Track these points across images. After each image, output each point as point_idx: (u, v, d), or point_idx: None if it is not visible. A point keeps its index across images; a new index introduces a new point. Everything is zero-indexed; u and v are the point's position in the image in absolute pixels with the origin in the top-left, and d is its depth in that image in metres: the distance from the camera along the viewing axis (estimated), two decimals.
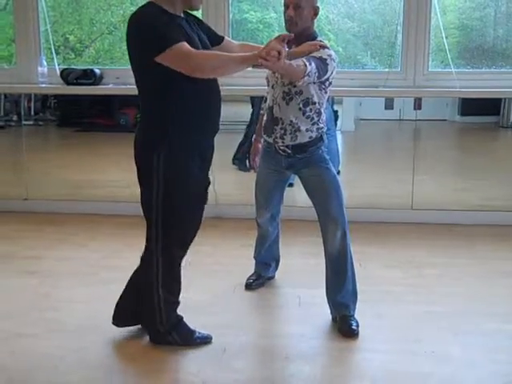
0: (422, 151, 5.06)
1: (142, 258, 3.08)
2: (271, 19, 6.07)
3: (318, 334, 3.17)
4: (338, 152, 5.12)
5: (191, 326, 3.10)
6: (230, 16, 5.12)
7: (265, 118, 3.35)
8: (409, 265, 4.08)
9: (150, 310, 2.99)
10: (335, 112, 5.53)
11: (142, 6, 2.74)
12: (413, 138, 5.10)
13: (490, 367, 2.86)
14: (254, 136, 3.65)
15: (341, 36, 6.06)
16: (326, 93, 3.20)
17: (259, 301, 3.61)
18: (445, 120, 5.56)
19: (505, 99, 5.16)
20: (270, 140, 3.30)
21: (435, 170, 5.13)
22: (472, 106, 5.28)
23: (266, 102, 3.46)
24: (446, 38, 4.90)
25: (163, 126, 2.78)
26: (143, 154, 2.84)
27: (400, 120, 5.50)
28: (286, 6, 3.15)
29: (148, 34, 2.64)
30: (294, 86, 3.12)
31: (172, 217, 2.88)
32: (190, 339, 3.05)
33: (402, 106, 5.51)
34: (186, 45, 2.61)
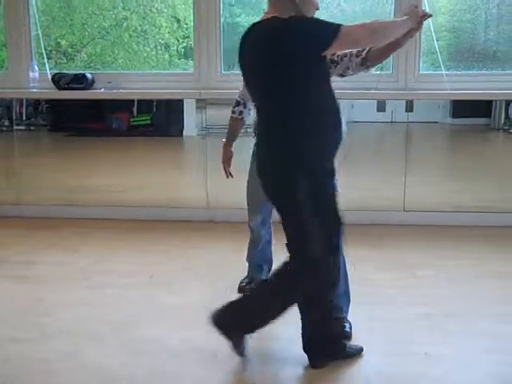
0: (414, 153, 5.07)
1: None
2: None
3: None
4: None
5: (185, 329, 3.09)
6: (222, 20, 5.12)
7: (255, 120, 3.33)
8: (401, 267, 4.09)
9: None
10: None
11: (272, 21, 2.58)
12: (405, 140, 5.11)
13: (484, 368, 2.87)
14: (224, 141, 3.61)
15: None
16: None
17: None
18: (436, 122, 5.57)
19: (496, 101, 5.18)
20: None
21: (427, 172, 5.14)
22: (463, 108, 5.29)
23: (240, 105, 3.48)
24: (437, 40, 4.92)
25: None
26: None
27: (392, 122, 5.51)
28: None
29: (314, 29, 2.52)
30: None
31: None
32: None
33: (394, 108, 5.52)
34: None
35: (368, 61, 2.96)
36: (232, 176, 3.60)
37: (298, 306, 2.90)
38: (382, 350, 3.04)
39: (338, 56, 3.04)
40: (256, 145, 2.90)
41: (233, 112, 3.56)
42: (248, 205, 3.55)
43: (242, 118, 3.56)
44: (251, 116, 3.36)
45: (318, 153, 2.68)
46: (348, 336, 3.10)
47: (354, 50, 2.96)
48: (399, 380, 2.79)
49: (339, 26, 2.49)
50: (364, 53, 2.95)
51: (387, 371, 2.85)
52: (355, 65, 2.98)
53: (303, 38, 2.52)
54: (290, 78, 2.56)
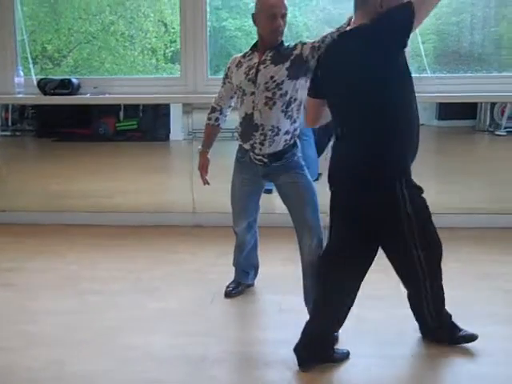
0: None
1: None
2: (250, 27, 6.08)
3: None
4: (315, 158, 5.13)
5: (171, 335, 3.07)
6: (209, 24, 5.12)
7: (240, 125, 3.33)
8: (389, 268, 4.07)
9: None
10: None
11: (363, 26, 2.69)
12: None
13: (472, 371, 2.87)
14: (201, 148, 3.59)
15: None
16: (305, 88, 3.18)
17: (239, 308, 3.60)
18: (422, 124, 5.57)
19: (481, 103, 5.20)
20: (247, 146, 3.28)
21: (414, 174, 5.14)
22: (449, 111, 5.31)
23: (216, 111, 3.48)
24: (423, 43, 4.92)
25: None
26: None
27: None
28: (273, 17, 3.11)
29: (396, 15, 2.61)
30: (280, 89, 3.13)
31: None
32: None
33: None
34: None
35: None
36: (209, 183, 3.60)
37: (315, 305, 2.95)
38: (371, 352, 3.04)
39: (307, 56, 3.10)
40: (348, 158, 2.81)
41: (209, 119, 3.54)
42: (233, 209, 3.54)
43: (219, 125, 3.54)
44: (237, 120, 3.35)
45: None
46: (335, 339, 3.09)
47: (316, 44, 3.04)
48: (389, 382, 2.79)
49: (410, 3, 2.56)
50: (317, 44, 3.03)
51: (377, 373, 2.85)
52: None
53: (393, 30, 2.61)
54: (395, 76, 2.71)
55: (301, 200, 3.20)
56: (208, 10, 5.00)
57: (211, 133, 3.55)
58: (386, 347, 3.08)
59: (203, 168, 3.58)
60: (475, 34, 5.37)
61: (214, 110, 3.52)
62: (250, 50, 3.30)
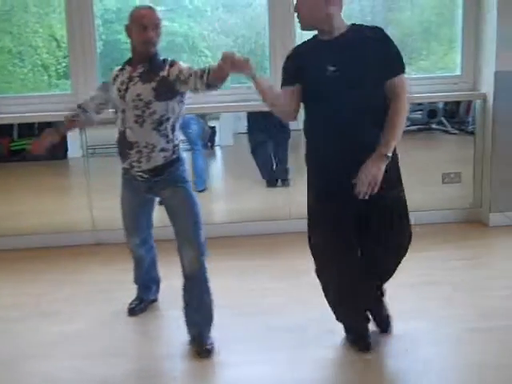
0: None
1: None
2: None
3: None
4: (203, 169, 5.17)
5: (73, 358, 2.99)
6: (103, 37, 5.03)
7: (117, 143, 3.24)
8: (291, 274, 4.12)
9: None
10: (212, 128, 5.55)
11: None
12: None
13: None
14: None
15: (217, 52, 6.10)
16: (183, 104, 3.18)
17: (142, 326, 3.56)
18: None
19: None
20: (126, 165, 3.22)
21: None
22: None
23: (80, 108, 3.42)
24: None
25: None
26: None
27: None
28: (144, 27, 3.05)
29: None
30: (149, 108, 3.07)
31: None
32: None
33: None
34: None
35: (211, 85, 2.92)
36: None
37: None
38: (246, 359, 3.09)
39: (174, 79, 3.03)
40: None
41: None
42: (124, 226, 3.48)
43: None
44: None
45: None
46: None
47: (199, 72, 2.92)
48: None
49: None
50: (205, 78, 2.89)
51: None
52: (202, 86, 2.92)
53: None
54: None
55: (181, 214, 3.16)
56: (95, 23, 4.91)
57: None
58: (259, 353, 3.11)
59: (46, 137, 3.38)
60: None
61: (79, 106, 3.44)
62: (126, 63, 3.23)
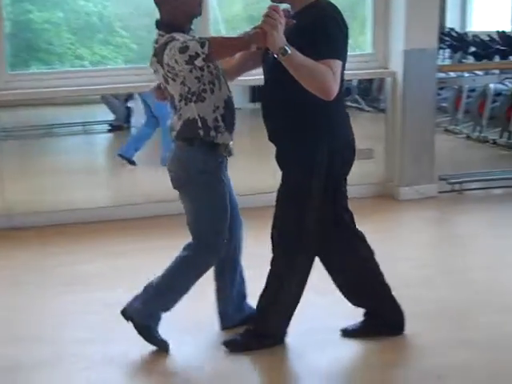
0: None
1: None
2: (59, 19, 5.89)
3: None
4: None
5: None
6: (11, 17, 4.91)
7: (226, 111, 2.82)
8: None
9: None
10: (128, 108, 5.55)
11: None
12: None
13: None
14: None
15: (134, 33, 6.05)
16: None
17: (59, 310, 3.54)
18: (240, 109, 5.72)
19: None
20: (231, 141, 2.89)
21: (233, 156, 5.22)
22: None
23: None
24: None
25: None
26: None
27: None
28: None
29: None
30: None
31: None
32: None
33: None
34: None
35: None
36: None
37: None
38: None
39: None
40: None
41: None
42: (221, 229, 3.01)
43: None
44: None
45: None
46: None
47: None
48: None
49: None
50: None
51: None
52: None
53: None
54: None
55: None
56: (2, 2, 4.76)
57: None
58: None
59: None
60: None
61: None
62: None
